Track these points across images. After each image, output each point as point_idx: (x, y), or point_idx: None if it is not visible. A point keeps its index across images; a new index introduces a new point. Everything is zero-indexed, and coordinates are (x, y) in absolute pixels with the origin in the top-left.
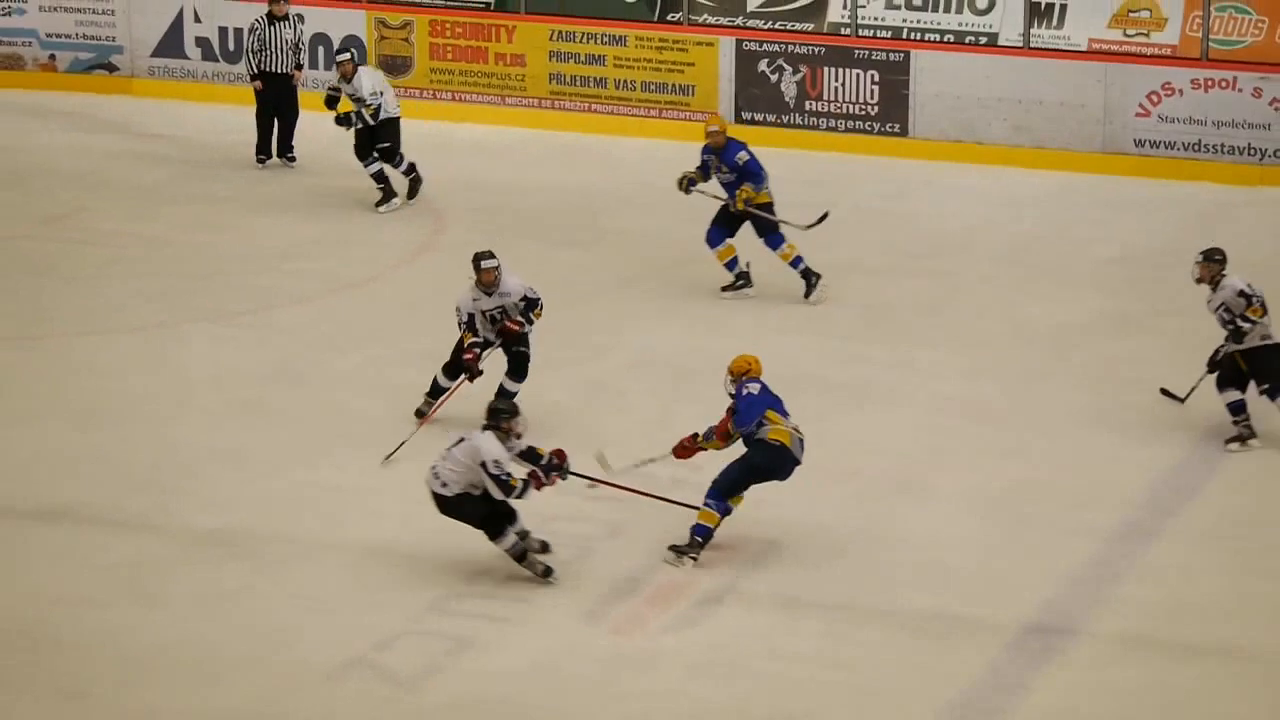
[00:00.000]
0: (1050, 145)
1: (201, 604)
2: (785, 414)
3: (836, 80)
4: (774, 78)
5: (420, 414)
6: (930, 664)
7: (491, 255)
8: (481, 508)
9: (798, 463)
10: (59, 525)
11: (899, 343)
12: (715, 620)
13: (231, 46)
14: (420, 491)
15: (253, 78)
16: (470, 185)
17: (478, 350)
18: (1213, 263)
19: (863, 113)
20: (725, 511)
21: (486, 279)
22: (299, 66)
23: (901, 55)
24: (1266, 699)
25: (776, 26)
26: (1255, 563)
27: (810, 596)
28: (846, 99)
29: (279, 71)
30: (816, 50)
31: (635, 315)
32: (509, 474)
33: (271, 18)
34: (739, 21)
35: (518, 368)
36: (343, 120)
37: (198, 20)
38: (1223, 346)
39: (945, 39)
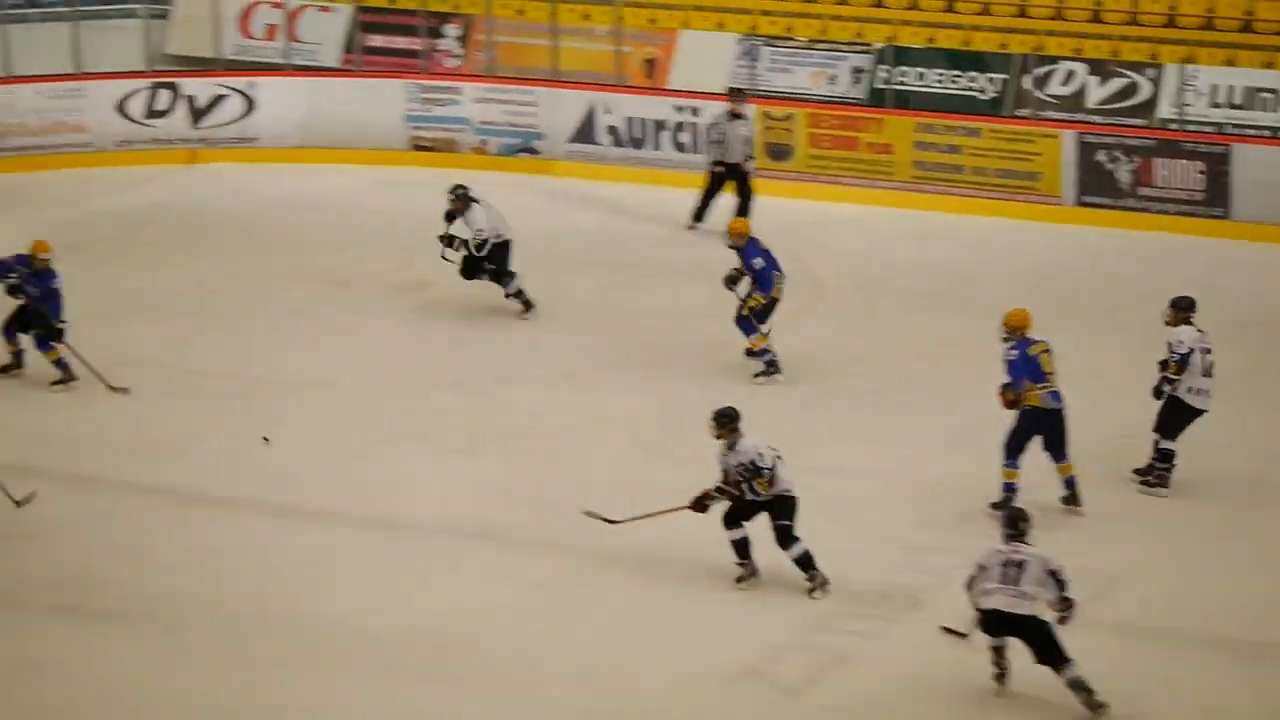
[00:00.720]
0: None
1: (617, 616)
2: (1043, 376)
3: (1165, 169)
4: (1110, 166)
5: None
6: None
7: (722, 418)
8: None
9: (1056, 414)
10: (490, 543)
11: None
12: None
13: (638, 134)
14: (803, 525)
15: (714, 164)
16: (844, 256)
17: (714, 497)
18: (1178, 310)
19: (1189, 198)
20: (1014, 466)
21: (713, 434)
22: (749, 158)
23: (1224, 148)
24: None
25: (1113, 121)
26: None
27: None
28: (1174, 185)
29: (733, 161)
30: (1148, 143)
31: (992, 371)
32: None
33: (731, 115)
34: (1080, 117)
35: (780, 538)
36: (447, 240)
37: (607, 111)
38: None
39: (1263, 133)
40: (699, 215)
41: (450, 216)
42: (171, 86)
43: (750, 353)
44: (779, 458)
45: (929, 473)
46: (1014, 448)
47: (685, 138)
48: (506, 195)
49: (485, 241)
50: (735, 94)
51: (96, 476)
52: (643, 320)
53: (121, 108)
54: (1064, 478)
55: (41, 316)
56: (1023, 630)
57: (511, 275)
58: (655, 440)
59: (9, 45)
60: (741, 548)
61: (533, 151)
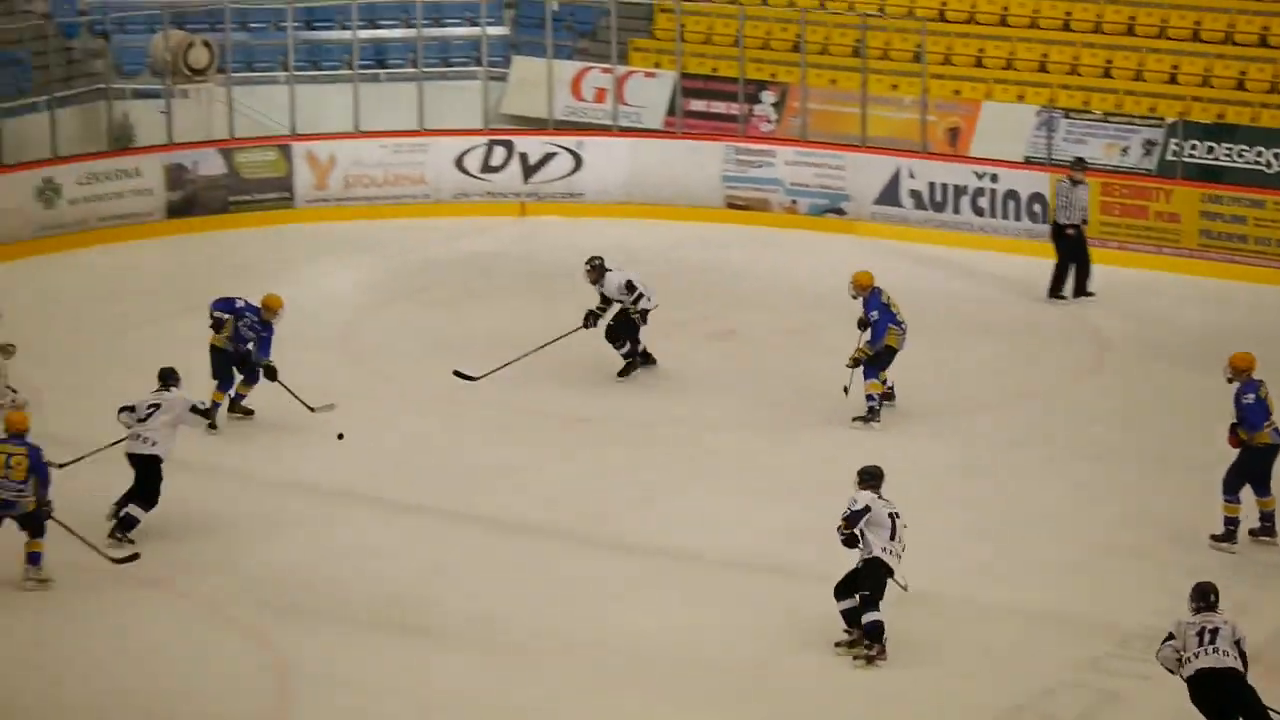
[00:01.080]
0: None
1: (898, 650)
2: (1269, 415)
3: None
4: None
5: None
6: None
7: (862, 475)
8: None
9: (1277, 449)
10: (783, 579)
11: None
12: None
13: (939, 198)
14: (1080, 570)
15: (1059, 227)
16: (1130, 318)
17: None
18: None
19: None
20: (1237, 501)
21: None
22: (1085, 221)
23: None
24: None
25: None
26: None
27: None
28: None
29: (1073, 223)
30: None
31: None
32: None
33: (1073, 181)
34: None
35: (860, 602)
36: (588, 320)
37: (911, 176)
38: None
39: None
40: (1056, 289)
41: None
42: (506, 144)
43: (867, 396)
44: (875, 515)
45: (1201, 523)
46: (1236, 483)
47: (984, 202)
48: (813, 252)
49: (638, 296)
50: (1078, 163)
51: (424, 504)
52: (939, 371)
53: (460, 163)
54: (1264, 510)
55: (244, 360)
56: (1232, 691)
57: (625, 343)
58: (954, 489)
59: (359, 103)
60: (849, 616)
61: (840, 212)
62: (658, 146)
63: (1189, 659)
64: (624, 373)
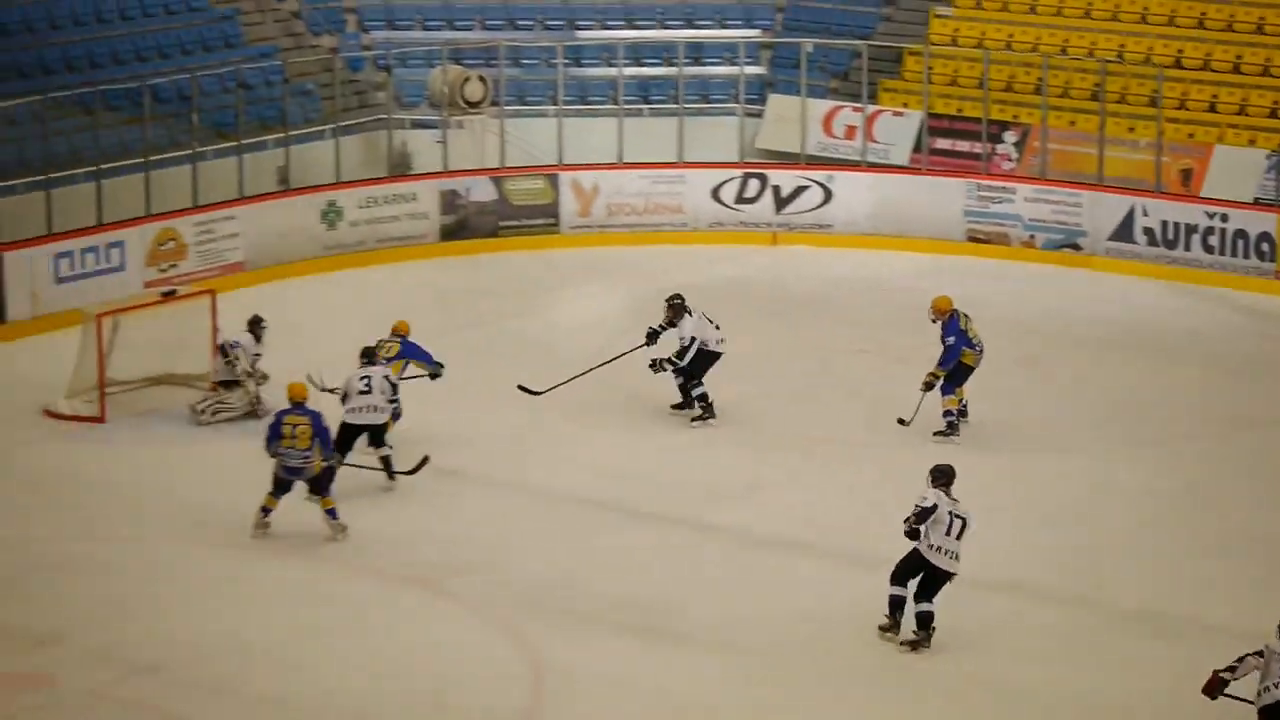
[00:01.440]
0: None
1: (1115, 662)
2: None
3: None
4: None
5: None
6: None
7: (934, 473)
8: None
9: None
10: (1005, 595)
11: None
12: None
13: (1171, 236)
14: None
15: None
16: None
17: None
18: None
19: None
20: None
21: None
22: None
23: None
24: None
25: None
26: None
27: None
28: None
29: None
30: None
31: None
32: None
33: None
34: None
35: (919, 589)
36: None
37: (1145, 214)
38: None
39: None
40: None
41: (666, 326)
42: (760, 177)
43: (945, 412)
44: (938, 513)
45: None
46: None
47: (1214, 241)
48: (1049, 284)
49: (686, 349)
50: None
51: (674, 515)
52: (1164, 400)
53: (716, 193)
54: None
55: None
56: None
57: (699, 384)
58: (1174, 513)
59: (623, 136)
60: (922, 618)
61: (1075, 247)
62: (903, 182)
63: (1267, 688)
64: (699, 418)
